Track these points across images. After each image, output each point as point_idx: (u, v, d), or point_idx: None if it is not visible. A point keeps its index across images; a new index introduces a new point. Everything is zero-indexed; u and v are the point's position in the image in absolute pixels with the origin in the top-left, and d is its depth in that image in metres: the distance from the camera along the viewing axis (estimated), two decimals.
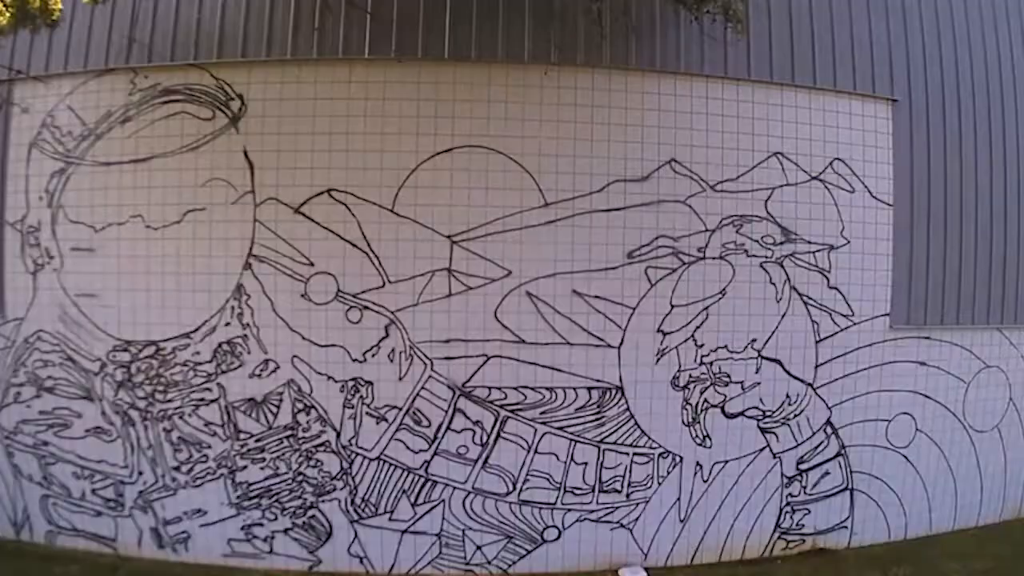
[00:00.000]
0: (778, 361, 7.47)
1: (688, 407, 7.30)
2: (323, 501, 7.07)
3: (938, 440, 8.11)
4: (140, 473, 7.17)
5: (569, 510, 7.19)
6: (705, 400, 7.34)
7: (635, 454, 7.23)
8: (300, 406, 7.00)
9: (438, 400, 7.01)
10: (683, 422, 7.30)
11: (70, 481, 7.27)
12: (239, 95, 7.01)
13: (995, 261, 8.24)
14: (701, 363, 7.30)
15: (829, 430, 7.67)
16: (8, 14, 5.14)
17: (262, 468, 7.05)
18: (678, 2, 6.62)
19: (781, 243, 7.45)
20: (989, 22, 8.31)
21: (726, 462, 7.42)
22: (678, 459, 7.32)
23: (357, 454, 7.02)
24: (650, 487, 7.30)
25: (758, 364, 7.43)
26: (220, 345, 7.00)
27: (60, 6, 6.11)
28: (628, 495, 7.26)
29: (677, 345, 7.25)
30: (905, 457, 7.98)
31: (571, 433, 7.12)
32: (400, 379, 6.97)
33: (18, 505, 7.40)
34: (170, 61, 7.13)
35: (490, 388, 7.01)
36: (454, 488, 7.08)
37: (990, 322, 8.24)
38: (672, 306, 7.22)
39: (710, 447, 7.37)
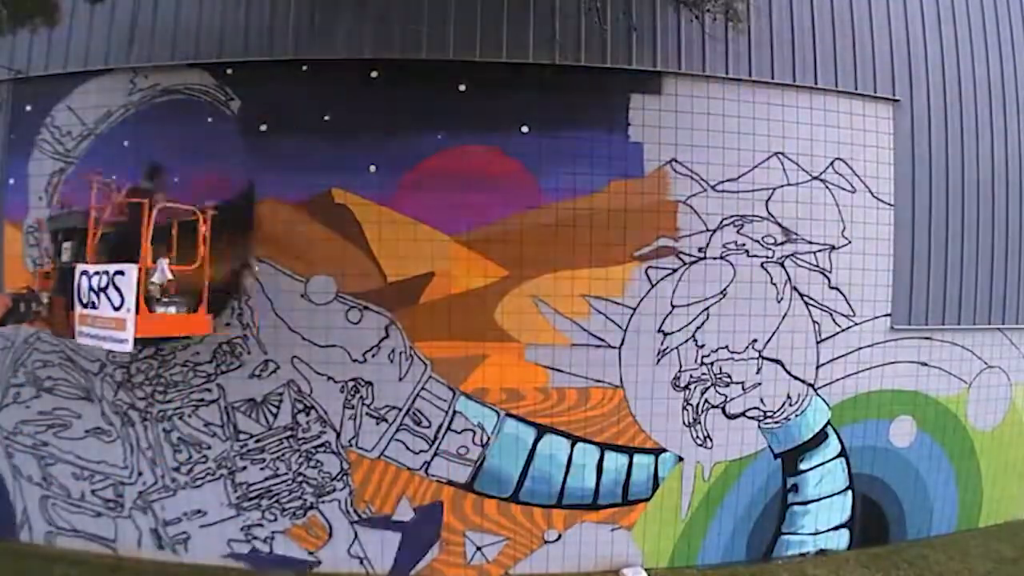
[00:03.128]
0: (779, 362, 7.46)
1: (689, 408, 7.29)
2: (323, 502, 7.05)
3: (940, 441, 8.09)
4: (140, 474, 7.16)
5: (570, 510, 7.18)
6: (706, 401, 7.32)
7: (635, 454, 7.22)
8: (300, 406, 7.00)
9: (438, 400, 7.00)
10: (684, 423, 7.28)
11: (70, 482, 7.26)
12: None
13: (996, 261, 8.22)
14: (702, 364, 7.29)
15: (830, 431, 7.66)
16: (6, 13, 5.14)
17: (262, 469, 7.04)
18: (679, 1, 6.62)
19: (782, 243, 7.43)
20: (991, 22, 8.30)
21: (727, 462, 7.42)
22: (679, 460, 7.31)
23: (357, 454, 7.02)
24: (651, 488, 7.28)
25: (759, 365, 7.41)
26: (220, 345, 6.99)
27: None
28: (629, 496, 7.25)
29: (678, 346, 7.24)
30: (907, 458, 7.96)
31: (571, 433, 7.11)
32: (400, 380, 6.98)
33: (18, 506, 7.39)
34: (170, 61, 7.14)
35: (490, 388, 7.00)
36: (454, 488, 7.07)
37: (991, 322, 8.23)
38: (673, 306, 7.21)
39: (711, 448, 7.36)
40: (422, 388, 6.98)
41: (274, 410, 7.00)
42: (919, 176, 7.90)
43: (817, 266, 7.53)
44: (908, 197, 7.85)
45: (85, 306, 5.78)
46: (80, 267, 5.87)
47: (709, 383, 7.31)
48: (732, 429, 7.38)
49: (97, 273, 5.68)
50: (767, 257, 7.40)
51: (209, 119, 7.06)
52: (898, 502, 7.97)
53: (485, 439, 7.03)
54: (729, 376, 7.35)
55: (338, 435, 6.99)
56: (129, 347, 5.56)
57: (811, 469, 7.63)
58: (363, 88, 6.96)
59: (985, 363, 8.23)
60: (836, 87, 7.63)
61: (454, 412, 7.00)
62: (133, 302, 5.46)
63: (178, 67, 7.12)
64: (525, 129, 7.01)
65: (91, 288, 5.70)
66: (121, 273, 5.51)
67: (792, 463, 7.57)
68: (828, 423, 7.63)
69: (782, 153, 7.43)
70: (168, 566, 7.04)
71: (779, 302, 7.43)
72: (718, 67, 7.35)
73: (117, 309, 5.51)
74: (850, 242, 7.60)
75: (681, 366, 7.24)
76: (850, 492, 7.78)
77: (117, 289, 5.51)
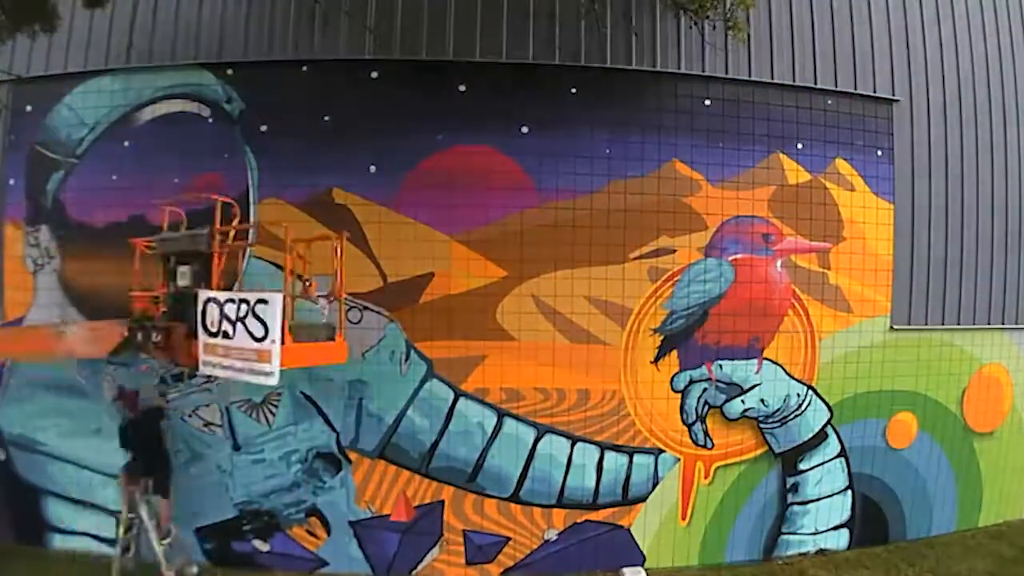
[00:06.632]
0: (779, 362, 7.46)
1: (689, 408, 7.29)
2: (324, 502, 7.05)
3: (939, 441, 8.10)
4: None
5: (570, 510, 7.19)
6: (706, 401, 7.33)
7: (635, 454, 7.23)
8: (300, 406, 7.00)
9: (438, 400, 7.01)
10: (684, 423, 7.29)
11: (70, 481, 7.26)
12: None
13: (996, 261, 8.23)
14: (702, 364, 7.29)
15: (830, 431, 7.66)
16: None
17: (262, 468, 7.04)
18: (679, 7, 6.62)
19: (782, 243, 7.44)
20: (990, 22, 8.30)
21: (727, 463, 7.42)
22: (679, 460, 7.31)
23: (358, 454, 7.02)
24: (651, 488, 7.29)
25: (759, 365, 7.41)
26: None
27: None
28: (629, 495, 7.25)
29: (678, 346, 7.24)
30: (906, 458, 7.97)
31: (571, 433, 7.11)
32: (400, 379, 6.98)
33: (18, 506, 7.38)
34: (170, 61, 7.14)
35: (490, 388, 7.00)
36: (455, 488, 7.08)
37: (991, 322, 8.23)
38: (673, 306, 7.21)
39: (711, 448, 7.36)
40: (422, 388, 6.98)
41: (274, 410, 7.00)
42: (919, 176, 7.91)
43: (817, 266, 7.54)
44: (908, 197, 7.86)
45: (214, 335, 5.24)
46: (205, 293, 5.36)
47: (709, 383, 7.32)
48: (732, 429, 7.39)
49: (231, 301, 5.16)
50: (767, 257, 7.40)
51: (209, 119, 7.06)
52: (898, 502, 7.98)
53: (485, 439, 7.03)
54: (729, 376, 7.35)
55: (338, 435, 7.00)
56: (275, 380, 5.01)
57: (811, 469, 7.63)
58: (363, 88, 6.97)
59: (985, 363, 8.23)
60: (836, 87, 7.64)
61: (454, 412, 7.00)
62: (278, 332, 4.93)
63: (178, 67, 7.12)
64: (525, 129, 7.02)
65: (224, 317, 5.16)
66: (264, 302, 4.98)
67: (792, 463, 7.58)
68: (828, 423, 7.64)
69: (782, 153, 7.44)
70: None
71: (779, 302, 7.44)
72: (718, 67, 7.36)
73: (259, 340, 4.97)
74: (850, 241, 7.61)
75: (681, 366, 7.24)
76: (850, 492, 7.79)
77: (259, 319, 4.98)
